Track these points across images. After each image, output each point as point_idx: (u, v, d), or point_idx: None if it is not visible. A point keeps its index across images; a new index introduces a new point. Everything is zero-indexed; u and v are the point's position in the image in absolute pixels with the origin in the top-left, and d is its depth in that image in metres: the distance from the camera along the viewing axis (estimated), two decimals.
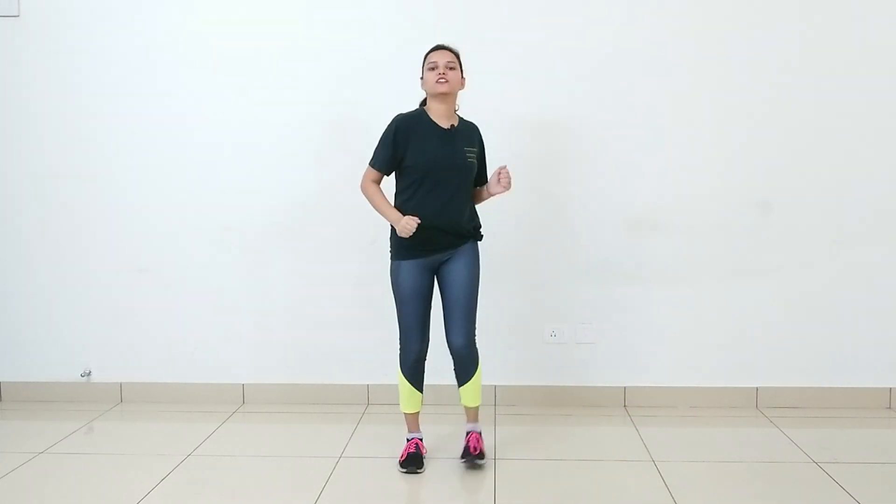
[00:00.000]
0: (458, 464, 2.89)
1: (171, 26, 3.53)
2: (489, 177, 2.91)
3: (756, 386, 3.54)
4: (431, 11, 3.46)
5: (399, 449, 2.96)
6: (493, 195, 2.90)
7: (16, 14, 3.54)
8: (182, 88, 3.55)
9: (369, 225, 3.51)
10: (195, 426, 3.32)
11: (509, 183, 2.82)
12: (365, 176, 2.85)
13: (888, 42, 3.38)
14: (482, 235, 2.95)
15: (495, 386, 3.54)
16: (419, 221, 2.72)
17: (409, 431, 2.98)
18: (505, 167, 2.83)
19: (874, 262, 3.47)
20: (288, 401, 3.63)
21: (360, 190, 2.86)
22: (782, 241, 3.48)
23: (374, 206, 2.84)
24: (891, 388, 3.52)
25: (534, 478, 2.75)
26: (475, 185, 2.92)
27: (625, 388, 3.58)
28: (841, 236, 3.47)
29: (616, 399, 3.58)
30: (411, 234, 2.72)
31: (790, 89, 3.42)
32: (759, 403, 3.54)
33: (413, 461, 2.85)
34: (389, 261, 2.88)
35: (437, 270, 2.87)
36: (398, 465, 2.87)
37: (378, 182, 2.85)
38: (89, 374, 3.71)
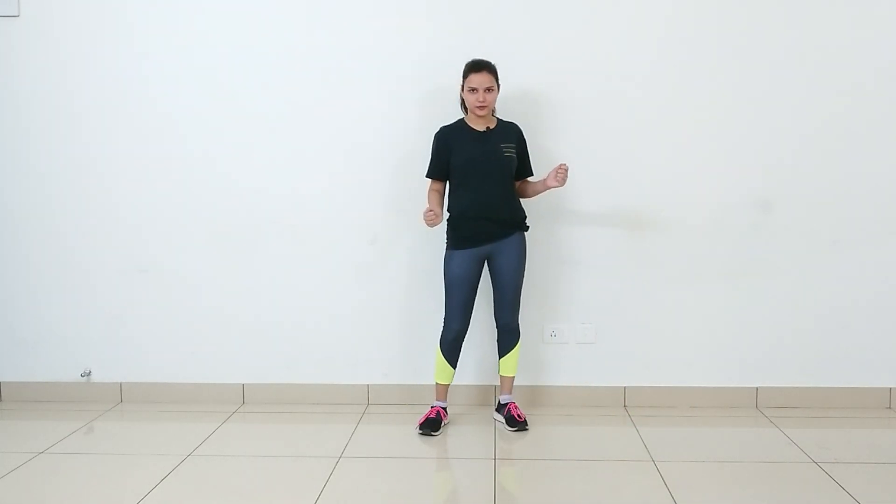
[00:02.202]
0: (458, 462, 2.90)
1: (170, 26, 3.52)
2: (548, 172, 3.11)
3: (756, 386, 3.54)
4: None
5: (399, 448, 2.99)
6: (548, 188, 3.12)
7: (16, 14, 3.53)
8: (182, 88, 3.54)
9: (369, 225, 3.53)
10: (195, 426, 3.32)
11: (564, 180, 3.04)
12: (428, 187, 3.19)
13: (890, 42, 3.38)
14: (527, 226, 3.23)
15: (495, 386, 3.54)
16: (432, 210, 2.99)
17: (436, 399, 3.28)
18: (565, 165, 3.04)
19: (874, 262, 3.47)
20: (288, 401, 3.62)
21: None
22: (783, 240, 3.48)
23: None
24: (891, 388, 3.52)
25: (534, 478, 2.75)
26: (518, 178, 3.22)
27: (625, 388, 3.58)
28: (841, 236, 3.46)
29: (616, 399, 3.57)
30: (429, 224, 2.99)
31: (793, 89, 3.41)
32: (759, 403, 3.54)
33: (430, 425, 3.15)
34: (445, 249, 3.20)
35: (487, 259, 3.17)
36: (417, 428, 3.17)
37: (438, 191, 3.19)
38: (89, 374, 3.71)
